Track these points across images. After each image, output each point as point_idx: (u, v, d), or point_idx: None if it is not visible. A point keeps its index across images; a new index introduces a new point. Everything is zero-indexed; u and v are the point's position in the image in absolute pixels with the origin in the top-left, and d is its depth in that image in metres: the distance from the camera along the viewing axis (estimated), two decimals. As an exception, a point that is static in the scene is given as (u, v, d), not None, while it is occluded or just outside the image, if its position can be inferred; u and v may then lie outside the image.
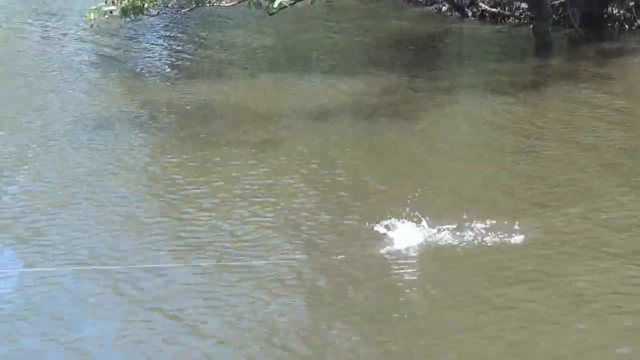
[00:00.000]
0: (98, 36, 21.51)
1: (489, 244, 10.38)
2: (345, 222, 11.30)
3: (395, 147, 14.29)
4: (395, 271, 10.08)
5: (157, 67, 19.68)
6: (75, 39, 21.55)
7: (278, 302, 9.47)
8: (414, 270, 10.18)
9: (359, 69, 18.79)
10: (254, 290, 9.66)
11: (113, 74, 18.81)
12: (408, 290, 9.80)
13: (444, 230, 10.62)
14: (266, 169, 13.24)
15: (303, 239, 10.88)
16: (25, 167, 13.42)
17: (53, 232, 11.19)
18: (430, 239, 10.51)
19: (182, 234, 11.07)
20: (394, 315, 9.19)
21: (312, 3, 18.82)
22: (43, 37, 21.64)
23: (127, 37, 21.91)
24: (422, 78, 18.12)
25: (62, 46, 20.99)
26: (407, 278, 9.98)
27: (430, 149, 14.29)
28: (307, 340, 8.80)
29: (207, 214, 11.61)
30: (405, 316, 9.20)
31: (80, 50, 20.68)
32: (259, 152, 13.89)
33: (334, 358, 8.57)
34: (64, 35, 21.88)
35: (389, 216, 10.77)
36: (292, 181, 12.77)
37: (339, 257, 10.30)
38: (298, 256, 10.42)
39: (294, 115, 15.96)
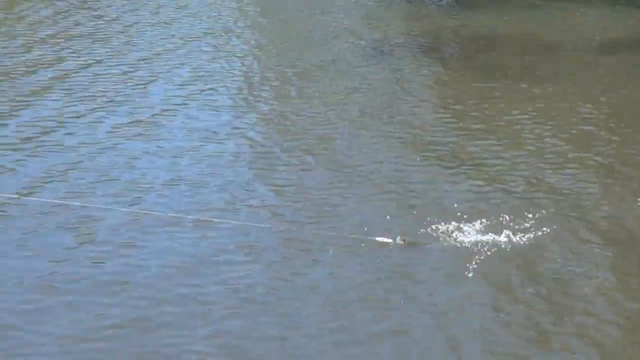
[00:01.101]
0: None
1: None
2: None
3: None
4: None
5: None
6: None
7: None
8: None
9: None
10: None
11: (392, 1, 19.28)
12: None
13: None
14: (552, 105, 12.99)
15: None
16: (297, 92, 13.64)
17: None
18: None
19: (467, 178, 10.51)
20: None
21: None
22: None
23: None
24: None
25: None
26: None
27: None
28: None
29: (493, 152, 11.28)
30: None
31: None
32: (544, 85, 13.79)
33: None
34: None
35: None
36: (585, 118, 12.51)
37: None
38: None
39: (580, 48, 15.83)
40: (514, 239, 8.81)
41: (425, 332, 7.48)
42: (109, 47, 15.60)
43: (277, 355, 7.20)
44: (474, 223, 9.07)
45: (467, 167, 10.77)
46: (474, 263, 8.46)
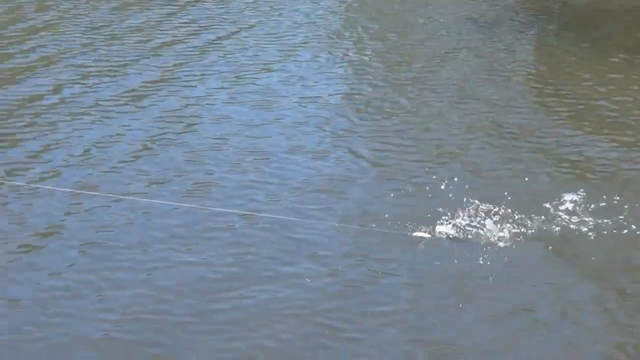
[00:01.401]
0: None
1: None
2: None
3: None
4: None
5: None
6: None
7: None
8: None
9: None
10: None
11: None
12: None
13: None
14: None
15: None
16: (411, 65, 13.73)
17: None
18: None
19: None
20: None
21: None
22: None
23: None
24: None
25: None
26: None
27: None
28: None
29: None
30: None
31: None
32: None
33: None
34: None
35: None
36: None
37: None
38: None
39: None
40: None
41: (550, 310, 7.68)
42: (227, 28, 15.83)
43: (399, 322, 7.54)
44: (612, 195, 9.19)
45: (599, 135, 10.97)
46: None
